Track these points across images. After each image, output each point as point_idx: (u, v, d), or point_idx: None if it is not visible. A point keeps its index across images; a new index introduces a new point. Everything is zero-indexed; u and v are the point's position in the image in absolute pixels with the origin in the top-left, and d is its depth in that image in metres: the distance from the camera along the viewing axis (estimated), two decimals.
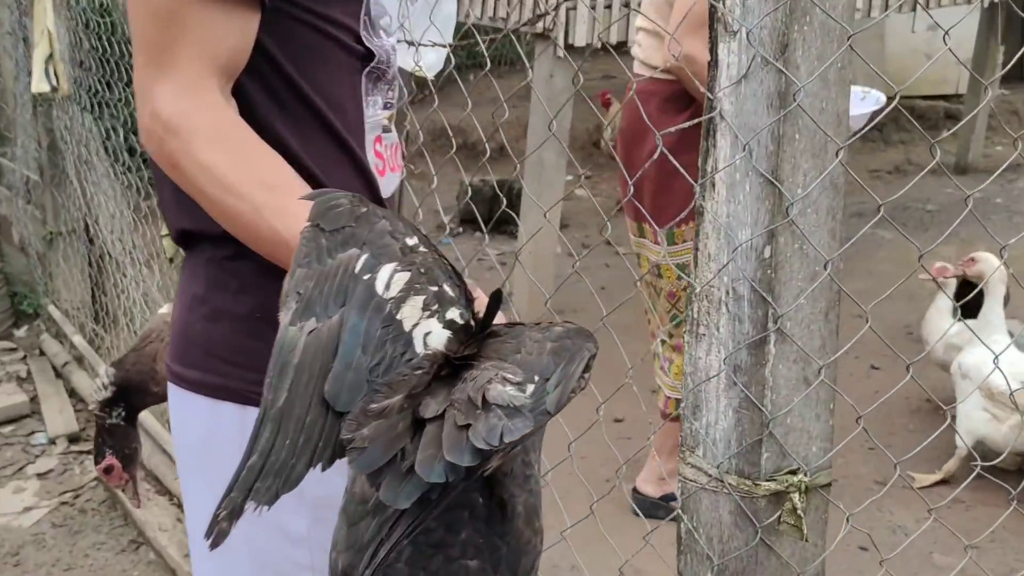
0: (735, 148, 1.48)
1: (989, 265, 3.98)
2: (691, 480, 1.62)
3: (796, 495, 1.50)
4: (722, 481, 1.55)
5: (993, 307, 3.83)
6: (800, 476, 1.52)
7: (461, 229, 7.44)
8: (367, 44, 1.38)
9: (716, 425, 1.57)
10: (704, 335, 1.57)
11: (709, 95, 1.52)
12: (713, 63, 1.51)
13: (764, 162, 1.45)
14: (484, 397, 0.94)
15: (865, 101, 3.08)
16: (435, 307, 1.07)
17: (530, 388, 0.97)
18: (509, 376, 0.98)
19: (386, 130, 1.47)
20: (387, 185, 1.45)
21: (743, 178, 1.48)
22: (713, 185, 1.53)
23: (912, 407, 4.33)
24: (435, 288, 1.08)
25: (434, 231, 7.30)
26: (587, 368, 1.06)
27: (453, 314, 1.07)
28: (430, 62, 2.53)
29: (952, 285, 4.20)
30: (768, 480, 1.51)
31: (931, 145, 1.59)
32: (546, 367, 1.02)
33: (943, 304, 4.23)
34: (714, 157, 1.53)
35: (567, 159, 4.98)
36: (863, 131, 3.22)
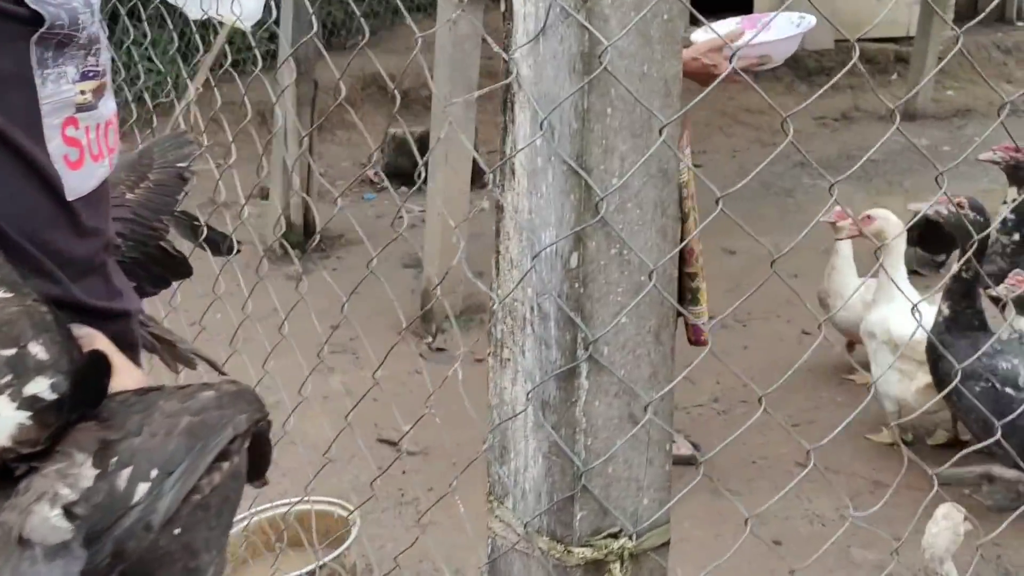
0: (535, 126, 1.15)
1: (888, 223, 3.69)
2: (500, 536, 1.30)
3: (617, 565, 1.19)
4: (532, 543, 1.24)
5: (896, 266, 3.58)
6: (623, 540, 1.20)
7: (386, 184, 7.07)
8: (30, 4, 1.04)
9: (525, 473, 1.25)
10: (509, 360, 1.25)
11: (505, 55, 1.18)
12: (508, 14, 1.17)
13: (567, 144, 1.12)
14: (21, 531, 0.63)
15: (800, 26, 2.76)
16: (8, 379, 0.73)
17: (142, 488, 0.68)
18: (64, 491, 0.66)
19: (86, 108, 1.12)
20: (83, 178, 1.11)
21: (545, 164, 1.15)
22: (513, 171, 1.20)
23: (840, 378, 4.08)
24: (11, 351, 0.75)
25: (359, 187, 6.93)
26: (227, 455, 0.74)
27: (38, 386, 0.74)
28: (249, 11, 2.17)
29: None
30: (583, 545, 1.20)
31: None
32: (172, 455, 0.72)
33: (846, 252, 3.88)
34: (513, 136, 1.19)
35: (475, 109, 4.65)
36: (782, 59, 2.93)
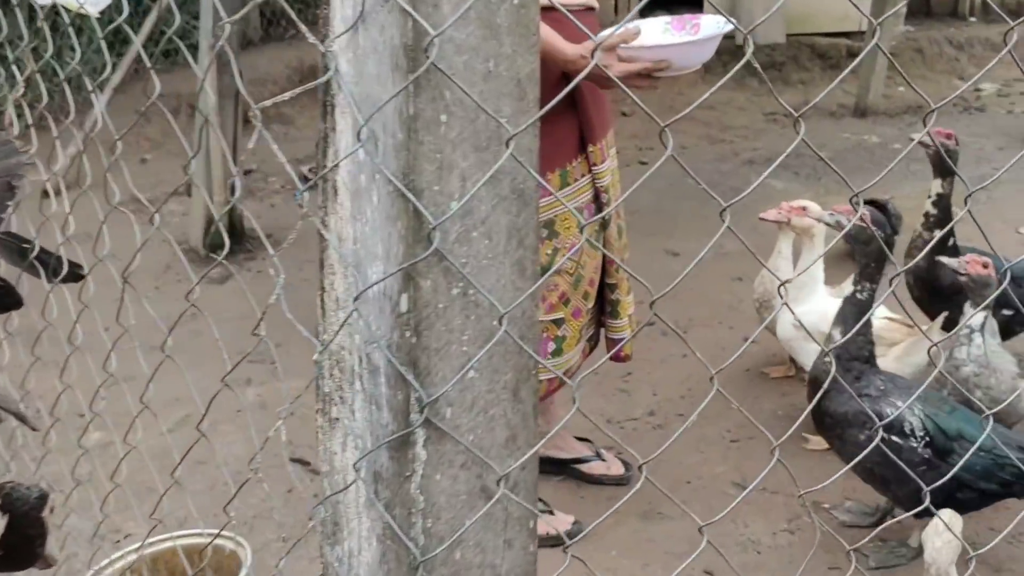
0: (356, 135, 0.92)
1: (820, 215, 3.53)
2: None
3: None
4: None
5: (814, 259, 3.43)
6: None
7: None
8: None
9: (359, 557, 1.03)
10: (337, 421, 1.02)
11: (321, 47, 0.95)
12: None
13: (392, 159, 0.90)
14: None
15: (722, 28, 2.53)
16: None
17: None
18: None
19: None
20: None
21: (369, 183, 0.93)
22: (335, 191, 0.97)
23: (783, 388, 3.89)
24: None
25: (292, 185, 6.65)
26: None
27: None
28: None
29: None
30: None
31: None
32: None
33: (787, 253, 3.71)
34: (334, 147, 0.97)
35: None
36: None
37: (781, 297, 1.25)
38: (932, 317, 3.52)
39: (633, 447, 3.49)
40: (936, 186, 3.52)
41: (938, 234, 3.47)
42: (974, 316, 2.88)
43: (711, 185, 6.07)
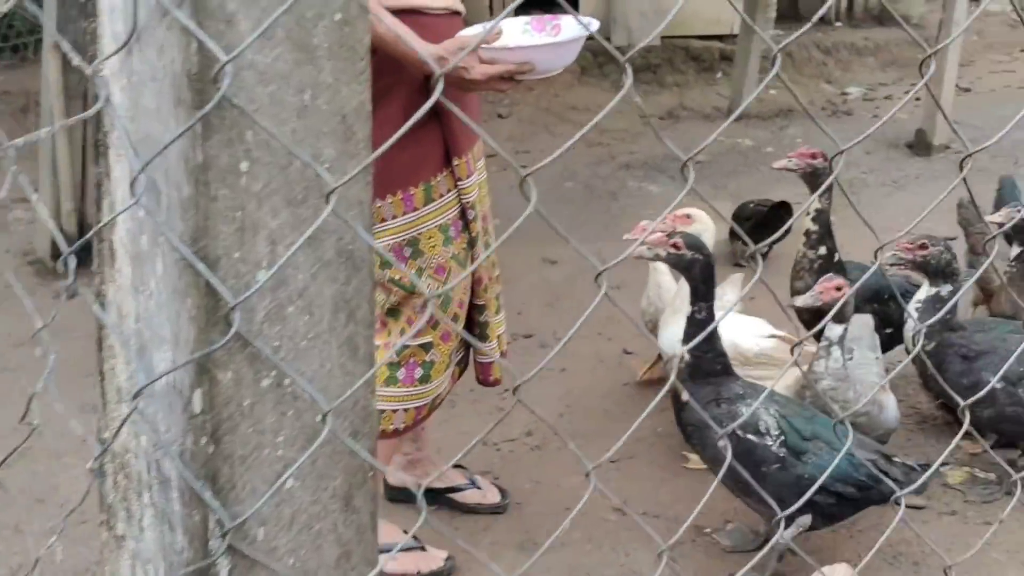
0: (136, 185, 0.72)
1: (705, 224, 3.49)
2: None
3: None
4: None
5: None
6: None
7: None
8: None
9: None
10: (124, 538, 0.81)
11: (87, 69, 0.75)
12: (91, 3, 0.74)
13: (178, 218, 0.70)
14: None
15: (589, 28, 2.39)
16: None
17: None
18: None
19: None
20: None
21: (153, 247, 0.72)
22: (112, 254, 0.76)
23: (664, 403, 3.77)
24: None
25: None
26: None
27: None
28: None
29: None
30: None
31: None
32: None
33: (663, 265, 3.56)
34: (110, 197, 0.76)
35: None
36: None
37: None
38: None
39: (511, 470, 3.33)
40: (815, 202, 3.44)
41: (823, 251, 3.45)
42: (833, 329, 2.88)
43: (588, 190, 6.01)
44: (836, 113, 7.91)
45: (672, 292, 3.57)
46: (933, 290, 3.04)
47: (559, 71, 2.44)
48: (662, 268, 3.67)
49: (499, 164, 7.00)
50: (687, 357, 2.66)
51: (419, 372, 2.69)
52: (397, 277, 2.57)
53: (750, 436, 2.61)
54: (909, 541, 2.93)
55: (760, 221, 5.16)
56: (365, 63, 0.73)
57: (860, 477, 2.58)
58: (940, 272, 3.02)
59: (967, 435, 2.78)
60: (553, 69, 2.40)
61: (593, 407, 3.71)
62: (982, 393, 2.17)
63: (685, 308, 3.24)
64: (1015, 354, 2.51)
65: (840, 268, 3.45)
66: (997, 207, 4.43)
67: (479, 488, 3.11)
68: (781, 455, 2.60)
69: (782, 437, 2.61)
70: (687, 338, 2.70)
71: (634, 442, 3.47)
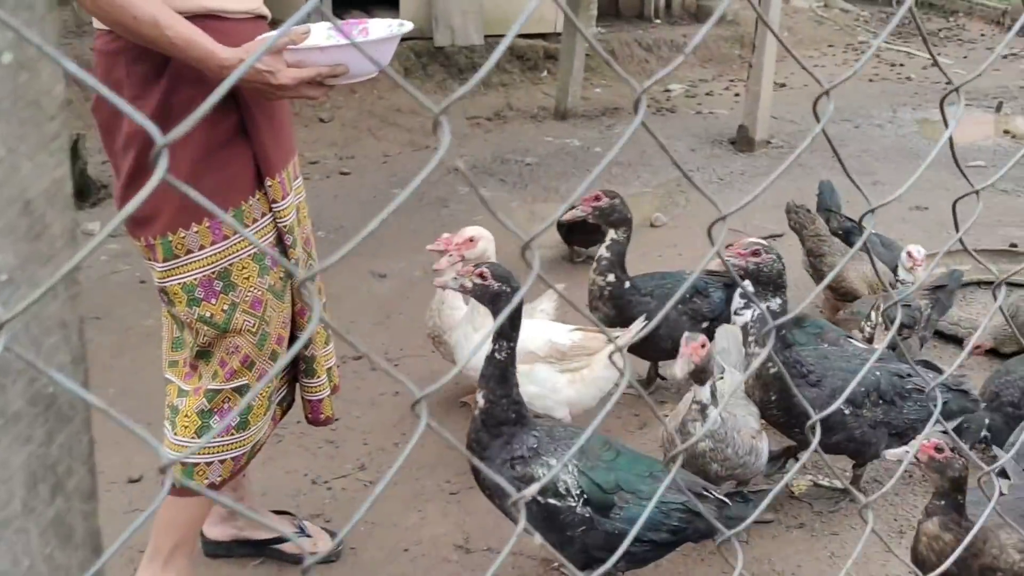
0: None
1: (490, 241, 3.41)
2: None
3: None
4: None
5: None
6: None
7: None
8: None
9: None
10: None
11: None
12: None
13: None
14: None
15: (400, 29, 2.22)
16: None
17: None
18: None
19: None
20: None
21: None
22: None
23: None
24: None
25: None
26: None
27: None
28: None
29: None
30: None
31: None
32: None
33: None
34: None
35: None
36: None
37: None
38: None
39: (344, 511, 3.09)
40: (611, 233, 3.51)
41: (611, 279, 3.48)
42: (701, 391, 2.68)
43: (417, 197, 5.76)
44: (660, 110, 7.97)
45: (459, 310, 3.45)
46: (764, 305, 2.87)
47: (375, 74, 2.24)
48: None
49: (322, 172, 6.70)
50: (481, 402, 2.44)
51: (235, 419, 2.42)
52: (207, 315, 2.30)
53: (552, 501, 2.40)
54: (760, 559, 2.86)
55: (579, 224, 5.06)
56: (58, 125, 0.50)
57: (672, 523, 2.45)
58: (771, 282, 2.87)
59: (803, 448, 2.73)
60: (368, 72, 2.20)
61: (430, 432, 3.50)
62: (825, 412, 2.07)
63: (487, 324, 3.11)
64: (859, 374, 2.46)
65: (632, 292, 3.49)
66: (819, 210, 4.49)
67: (308, 535, 2.86)
68: (587, 516, 2.40)
69: (584, 496, 2.41)
70: (484, 379, 2.44)
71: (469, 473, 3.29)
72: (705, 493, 2.49)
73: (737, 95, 7.85)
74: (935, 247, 5.13)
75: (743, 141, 6.95)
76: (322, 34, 2.29)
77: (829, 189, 4.63)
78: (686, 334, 2.65)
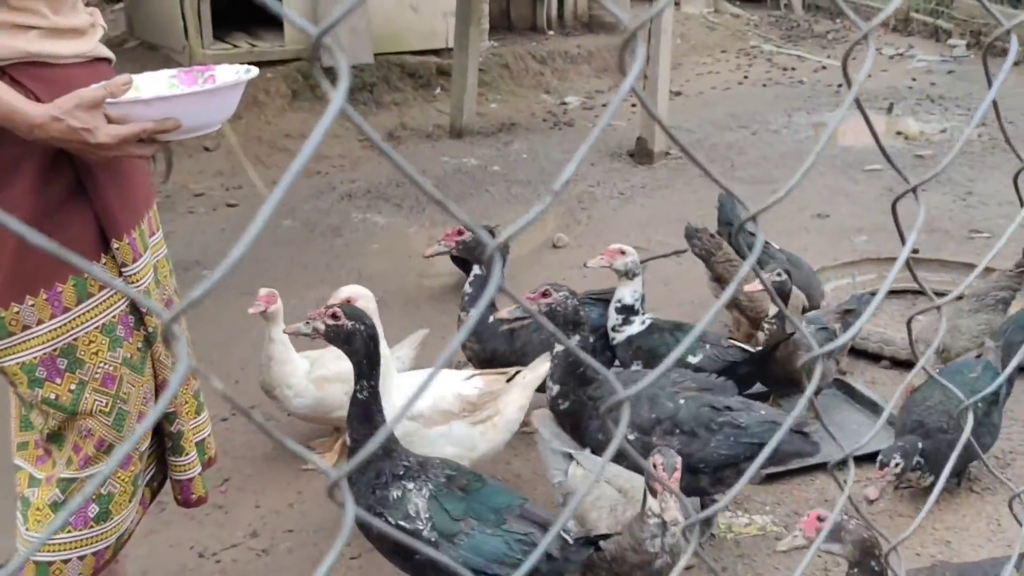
0: None
1: (368, 300, 3.14)
2: None
3: None
4: None
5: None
6: None
7: None
8: None
9: None
10: None
11: None
12: None
13: None
14: None
15: (246, 75, 2.01)
16: None
17: None
18: None
19: None
20: None
21: None
22: None
23: None
24: None
25: None
26: None
27: None
28: None
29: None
30: None
31: None
32: None
33: (279, 336, 3.30)
34: None
35: None
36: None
37: None
38: None
39: None
40: (475, 268, 3.51)
41: (474, 313, 3.30)
42: (655, 504, 2.38)
43: (309, 227, 5.50)
44: (558, 124, 7.84)
45: (286, 362, 3.34)
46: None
47: (216, 127, 2.00)
48: (278, 339, 3.33)
49: (208, 204, 6.37)
50: (349, 442, 2.45)
51: (94, 509, 2.14)
52: (52, 396, 2.03)
53: (401, 523, 2.39)
54: None
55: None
56: None
57: (516, 555, 2.38)
58: (569, 322, 2.81)
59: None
60: (208, 125, 1.97)
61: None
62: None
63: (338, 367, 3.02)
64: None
65: (496, 324, 3.36)
66: (720, 224, 4.38)
67: None
68: (432, 540, 2.39)
69: (431, 521, 2.40)
70: (351, 418, 2.42)
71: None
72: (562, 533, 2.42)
73: (634, 106, 7.76)
74: (838, 255, 5.10)
75: (642, 153, 6.86)
76: (162, 82, 2.06)
77: (730, 202, 4.51)
78: (657, 449, 2.42)
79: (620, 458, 2.64)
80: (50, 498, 2.10)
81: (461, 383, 3.09)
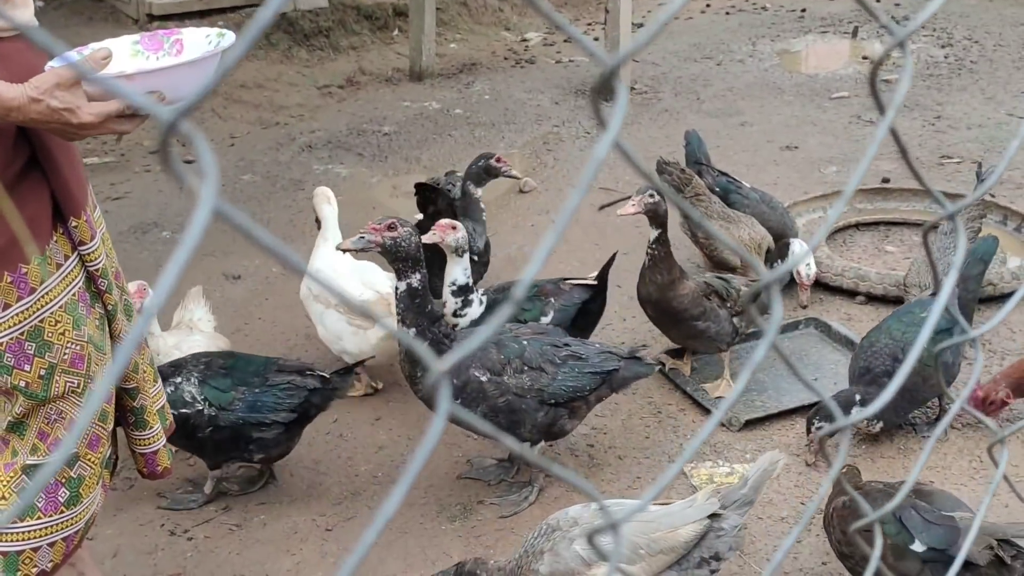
0: None
1: (324, 197, 3.78)
2: None
3: None
4: None
5: (330, 228, 3.68)
6: None
7: None
8: None
9: None
10: None
11: None
12: None
13: None
14: None
15: (217, 45, 1.92)
16: None
17: None
18: None
19: None
20: None
21: None
22: None
23: (379, 440, 3.30)
24: None
25: None
26: None
27: None
28: None
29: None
30: None
31: None
32: None
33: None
34: None
35: None
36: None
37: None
38: None
39: (209, 564, 2.77)
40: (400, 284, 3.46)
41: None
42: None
43: (270, 181, 5.33)
44: (520, 63, 7.67)
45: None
46: (404, 283, 2.73)
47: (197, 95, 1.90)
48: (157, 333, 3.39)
49: (149, 175, 6.18)
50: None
51: (64, 494, 2.08)
52: (22, 384, 1.96)
53: (183, 410, 2.82)
54: None
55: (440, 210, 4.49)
56: None
57: (286, 400, 2.89)
58: (409, 258, 2.72)
59: None
60: (189, 95, 1.86)
61: (299, 459, 3.19)
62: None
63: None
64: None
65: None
66: (688, 163, 4.29)
67: None
68: (212, 415, 2.86)
69: (207, 400, 2.87)
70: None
71: (350, 498, 2.99)
72: (310, 372, 2.97)
73: (596, 39, 7.60)
74: (809, 188, 5.04)
75: (606, 90, 6.71)
76: (125, 51, 1.95)
77: (696, 139, 4.41)
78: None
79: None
80: (17, 485, 2.04)
81: (379, 280, 3.53)
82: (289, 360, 3.04)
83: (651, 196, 3.17)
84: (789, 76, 6.98)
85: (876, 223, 4.60)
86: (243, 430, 2.85)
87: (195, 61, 1.91)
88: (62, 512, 2.09)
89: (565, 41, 8.24)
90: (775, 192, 4.43)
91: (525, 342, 2.90)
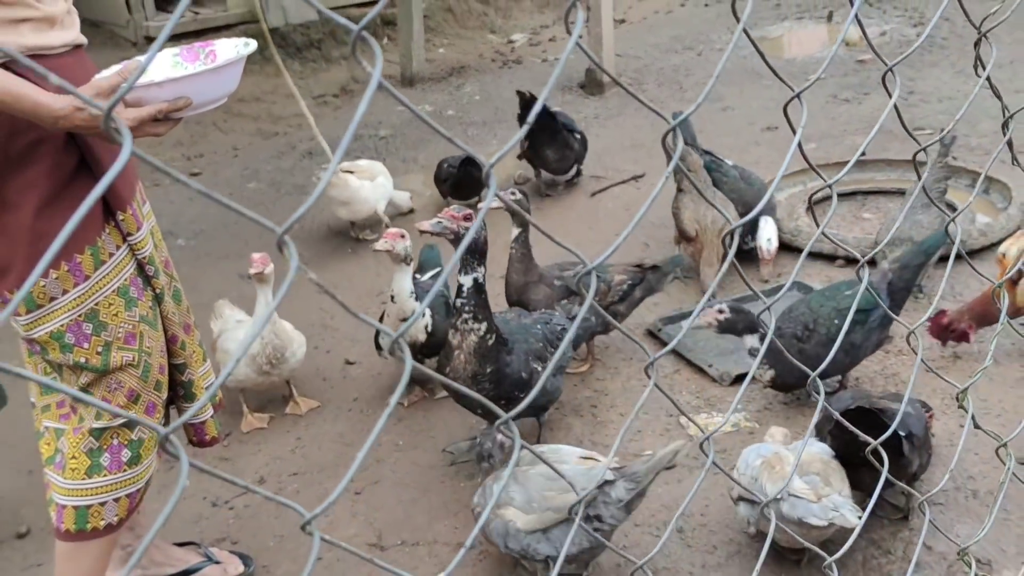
0: None
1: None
2: None
3: None
4: None
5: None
6: None
7: None
8: None
9: None
10: None
11: None
12: None
13: None
14: None
15: (244, 50, 2.17)
16: None
17: None
18: None
19: None
20: None
21: None
22: None
23: (400, 414, 3.55)
24: None
25: None
26: None
27: None
28: None
29: None
30: None
31: None
32: None
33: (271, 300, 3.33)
34: None
35: None
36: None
37: None
38: None
39: (249, 530, 3.01)
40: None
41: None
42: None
43: (274, 187, 5.60)
44: (507, 63, 7.93)
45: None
46: (470, 277, 2.83)
47: (224, 101, 2.16)
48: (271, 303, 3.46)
49: (166, 176, 6.39)
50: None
51: (127, 454, 2.35)
52: (83, 360, 2.22)
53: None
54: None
55: (457, 180, 5.10)
56: None
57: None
58: (478, 251, 2.81)
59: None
60: (216, 100, 2.13)
61: (324, 433, 3.44)
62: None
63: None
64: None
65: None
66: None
67: (217, 562, 2.79)
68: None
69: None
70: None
71: (375, 464, 3.24)
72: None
73: (581, 36, 7.86)
74: (789, 165, 5.28)
75: (592, 84, 6.98)
76: (167, 62, 2.22)
77: (684, 122, 4.68)
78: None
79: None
80: (85, 446, 2.30)
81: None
82: None
83: (512, 194, 3.36)
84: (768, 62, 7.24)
85: (854, 193, 4.86)
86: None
87: (218, 68, 2.14)
88: (125, 471, 2.35)
89: (550, 40, 8.50)
90: (757, 170, 4.68)
91: (539, 327, 3.12)
